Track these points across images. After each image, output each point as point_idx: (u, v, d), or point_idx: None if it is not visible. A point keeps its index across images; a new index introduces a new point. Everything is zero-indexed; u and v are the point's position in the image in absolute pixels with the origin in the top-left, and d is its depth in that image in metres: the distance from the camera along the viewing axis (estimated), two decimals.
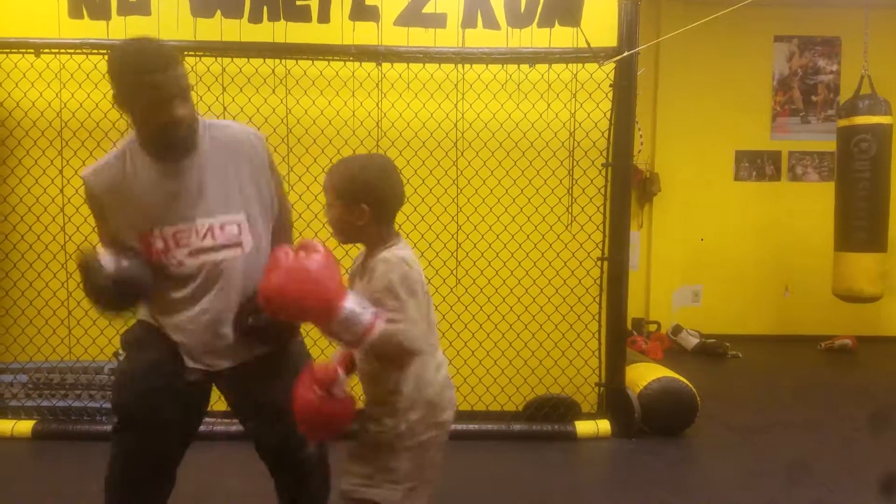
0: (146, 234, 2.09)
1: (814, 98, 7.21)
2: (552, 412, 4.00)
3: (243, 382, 2.21)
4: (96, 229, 2.25)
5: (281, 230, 2.28)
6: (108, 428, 3.67)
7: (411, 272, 1.82)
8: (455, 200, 4.09)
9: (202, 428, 2.48)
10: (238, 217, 2.13)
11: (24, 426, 3.83)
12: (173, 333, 2.17)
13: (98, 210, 2.16)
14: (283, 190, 2.38)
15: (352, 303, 1.69)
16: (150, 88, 1.93)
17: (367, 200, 1.84)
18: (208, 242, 2.10)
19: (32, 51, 3.84)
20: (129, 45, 2.06)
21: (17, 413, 3.93)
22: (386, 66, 3.97)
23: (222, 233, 2.11)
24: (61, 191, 4.05)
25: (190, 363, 2.16)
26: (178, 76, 1.98)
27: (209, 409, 2.37)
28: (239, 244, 2.13)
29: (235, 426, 3.69)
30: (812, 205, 6.98)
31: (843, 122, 5.89)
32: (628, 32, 3.86)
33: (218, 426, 3.83)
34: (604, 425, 3.95)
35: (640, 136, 4.00)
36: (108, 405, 3.93)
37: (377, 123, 4.05)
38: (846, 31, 7.08)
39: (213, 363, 2.17)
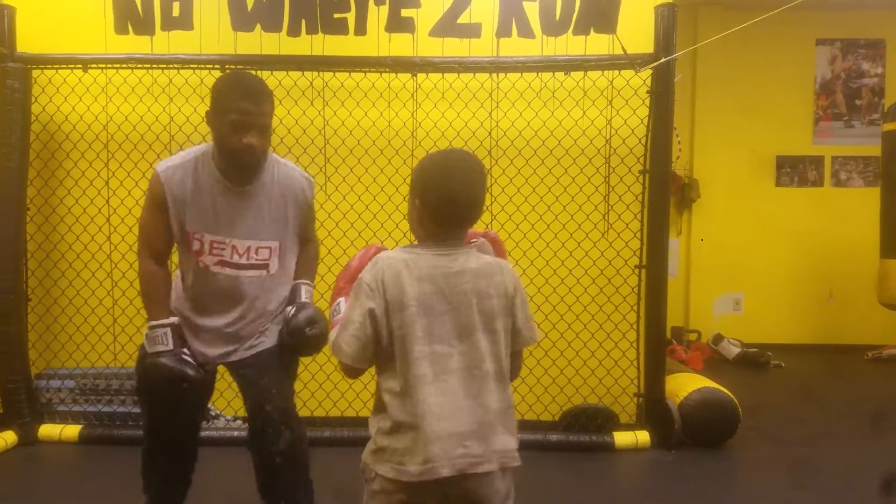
0: (190, 234, 2.35)
1: (857, 102, 7.06)
2: (589, 422, 3.97)
3: (242, 371, 2.49)
4: (146, 219, 2.44)
5: (307, 260, 2.59)
6: None
7: (364, 278, 1.68)
8: (489, 209, 4.09)
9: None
10: (272, 244, 2.40)
11: (72, 430, 3.93)
12: (188, 328, 2.47)
13: (158, 202, 2.34)
14: (314, 227, 2.69)
15: (341, 302, 1.76)
16: (236, 113, 2.21)
17: (419, 196, 1.74)
18: (240, 260, 2.37)
19: (80, 66, 3.96)
20: (235, 74, 2.46)
21: (65, 418, 4.04)
22: (421, 76, 4.00)
23: (255, 255, 2.38)
24: (107, 202, 4.16)
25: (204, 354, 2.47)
26: (262, 112, 2.28)
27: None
28: (266, 266, 2.41)
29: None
30: (856, 211, 6.83)
31: (888, 126, 5.76)
32: (665, 38, 3.83)
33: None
34: (643, 436, 3.91)
35: (679, 141, 3.96)
36: None
37: (412, 133, 4.08)
38: (891, 34, 6.95)
39: (221, 358, 2.49)
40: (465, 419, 1.63)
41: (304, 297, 2.48)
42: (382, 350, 1.67)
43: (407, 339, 1.64)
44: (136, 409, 4.01)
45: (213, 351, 2.46)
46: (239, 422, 4.11)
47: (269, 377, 2.42)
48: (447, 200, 1.71)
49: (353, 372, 1.72)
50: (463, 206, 1.72)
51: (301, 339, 2.39)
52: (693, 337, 6.92)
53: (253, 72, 3.95)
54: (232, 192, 2.34)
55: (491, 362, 1.68)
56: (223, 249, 2.35)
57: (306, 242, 2.58)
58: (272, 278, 2.43)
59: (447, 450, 1.60)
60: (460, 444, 1.61)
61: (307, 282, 2.54)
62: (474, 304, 1.68)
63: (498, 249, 1.93)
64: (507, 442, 1.69)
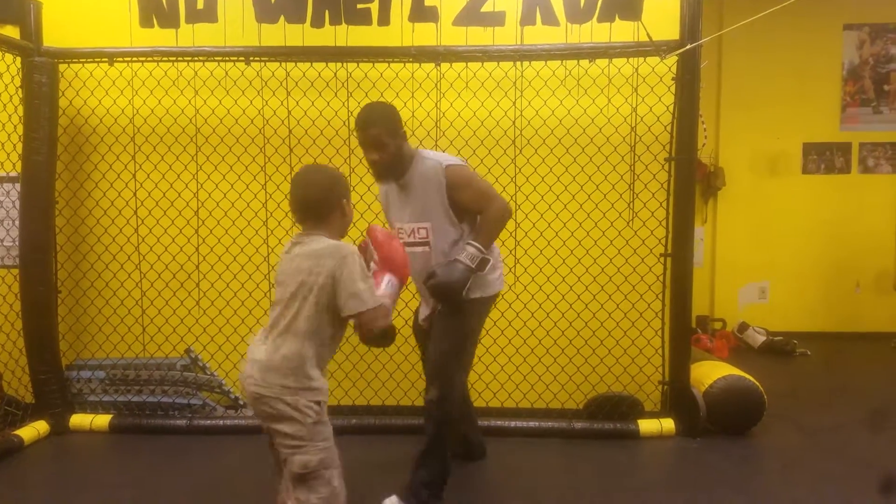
0: (391, 225, 3.20)
1: (886, 87, 6.93)
2: (614, 410, 3.97)
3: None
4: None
5: (481, 223, 2.96)
6: (181, 422, 3.85)
7: None
8: (514, 198, 4.09)
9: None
10: (427, 224, 2.99)
11: (102, 420, 3.99)
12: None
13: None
14: (477, 196, 2.97)
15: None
16: (359, 138, 2.98)
17: None
18: (408, 239, 3.03)
19: (106, 60, 4.00)
20: (362, 108, 3.03)
21: (95, 408, 4.11)
22: (445, 66, 4.00)
23: (417, 234, 3.02)
24: (134, 194, 4.21)
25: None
26: (374, 134, 2.91)
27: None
28: (427, 243, 3.01)
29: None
30: (884, 198, 6.74)
31: None
32: (691, 25, 3.79)
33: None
34: (668, 424, 3.90)
35: (704, 129, 3.92)
36: (180, 400, 4.08)
37: (436, 123, 4.08)
38: None
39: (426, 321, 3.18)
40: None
41: (457, 255, 2.89)
42: None
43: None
44: (165, 399, 4.08)
45: (423, 313, 3.23)
46: None
47: (432, 342, 3.04)
48: (290, 202, 2.43)
49: None
50: (293, 203, 2.41)
51: (428, 287, 2.90)
52: (718, 325, 6.87)
53: (277, 63, 4.02)
54: (398, 189, 3.06)
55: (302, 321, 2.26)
56: (401, 232, 3.07)
57: (479, 211, 2.96)
58: (432, 252, 2.99)
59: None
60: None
61: (471, 242, 2.89)
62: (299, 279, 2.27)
63: (376, 244, 2.54)
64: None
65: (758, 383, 3.93)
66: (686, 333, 3.99)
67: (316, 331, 2.27)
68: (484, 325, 3.21)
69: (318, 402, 2.28)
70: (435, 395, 2.94)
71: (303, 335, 2.26)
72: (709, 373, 4.07)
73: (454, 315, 2.99)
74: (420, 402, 3.80)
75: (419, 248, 3.02)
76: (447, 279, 2.83)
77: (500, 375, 4.15)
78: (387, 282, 2.45)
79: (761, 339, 6.50)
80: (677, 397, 3.95)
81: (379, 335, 2.34)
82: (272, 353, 2.26)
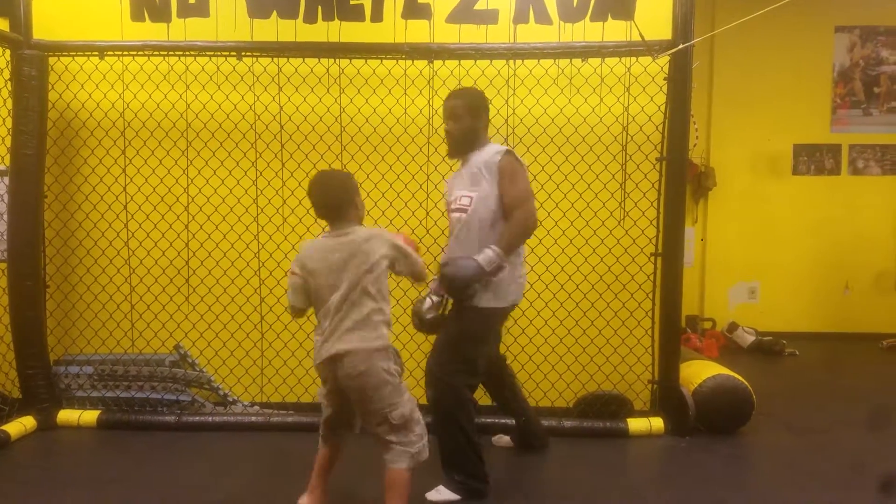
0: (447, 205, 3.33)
1: (876, 90, 6.98)
2: (604, 409, 3.98)
3: None
4: None
5: (506, 228, 2.99)
6: (170, 418, 3.84)
7: None
8: None
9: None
10: (471, 193, 3.07)
11: (90, 416, 3.97)
12: None
13: None
14: (515, 194, 3.02)
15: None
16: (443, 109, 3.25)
17: None
18: (452, 207, 3.18)
19: (96, 53, 3.97)
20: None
21: (83, 403, 4.08)
22: (437, 63, 3.99)
23: (459, 202, 3.12)
24: (124, 189, 4.19)
25: None
26: (452, 105, 3.18)
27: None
28: (465, 210, 3.09)
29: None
30: (874, 199, 6.78)
31: None
32: (683, 25, 3.80)
33: (274, 417, 3.93)
34: (657, 423, 3.91)
35: (696, 129, 3.93)
36: (169, 397, 4.06)
37: (428, 121, 4.07)
38: None
39: None
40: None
41: (477, 256, 2.91)
42: None
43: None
44: (154, 395, 4.05)
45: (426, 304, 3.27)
46: (256, 407, 4.14)
47: (434, 343, 3.14)
48: (313, 205, 2.75)
49: None
50: (317, 206, 2.74)
51: (441, 272, 2.99)
52: (708, 325, 6.90)
53: (268, 59, 4.01)
54: (461, 168, 3.24)
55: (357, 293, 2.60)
56: (450, 204, 3.23)
57: (511, 209, 2.99)
58: (468, 220, 3.06)
59: None
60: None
61: (492, 246, 2.91)
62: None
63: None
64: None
65: (747, 383, 3.94)
66: (676, 333, 4.00)
67: (384, 297, 2.65)
68: (498, 336, 3.24)
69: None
70: (430, 395, 3.03)
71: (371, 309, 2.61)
72: (698, 372, 4.09)
73: (460, 318, 3.06)
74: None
75: (456, 215, 3.14)
76: (457, 274, 2.88)
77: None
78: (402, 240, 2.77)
79: (751, 338, 6.53)
80: (667, 396, 3.96)
81: (431, 323, 3.14)
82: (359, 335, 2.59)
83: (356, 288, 2.58)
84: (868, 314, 6.91)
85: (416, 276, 2.74)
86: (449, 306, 3.18)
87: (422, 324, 3.22)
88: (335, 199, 2.70)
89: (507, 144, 4.05)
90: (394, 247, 2.64)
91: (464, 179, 3.15)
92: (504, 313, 3.17)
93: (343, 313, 2.58)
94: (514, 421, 3.67)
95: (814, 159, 7.05)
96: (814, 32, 6.94)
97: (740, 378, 3.98)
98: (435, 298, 3.20)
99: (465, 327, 3.04)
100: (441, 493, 3.02)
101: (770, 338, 6.44)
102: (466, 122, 3.15)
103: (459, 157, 3.25)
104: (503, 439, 3.75)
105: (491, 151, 3.11)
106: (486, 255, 2.88)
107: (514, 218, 2.98)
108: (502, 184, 3.03)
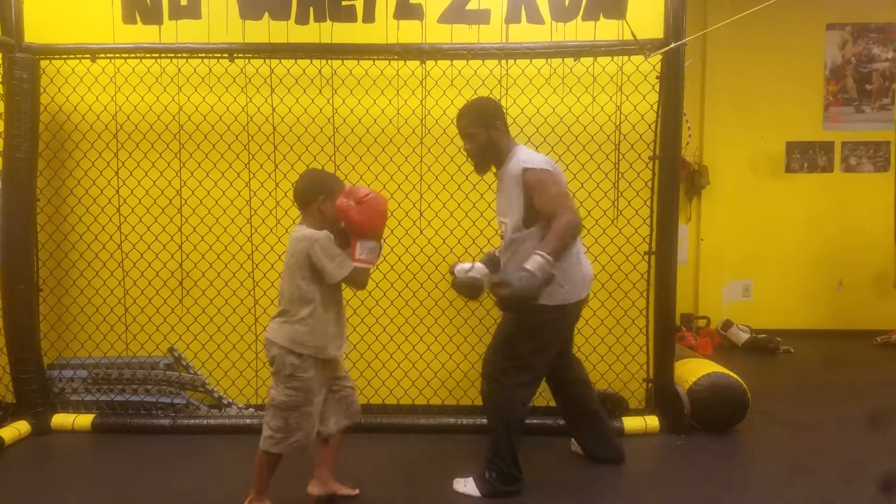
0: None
1: (868, 87, 7.00)
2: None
3: None
4: None
5: (548, 233, 2.86)
6: (165, 422, 3.83)
7: None
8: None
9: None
10: (505, 220, 3.15)
11: (84, 420, 3.96)
12: None
13: None
14: (546, 203, 2.95)
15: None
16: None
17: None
18: (499, 227, 3.26)
19: (88, 56, 3.97)
20: None
21: (78, 407, 4.07)
22: (430, 63, 3.99)
23: (501, 226, 3.21)
24: (117, 191, 4.18)
25: None
26: (462, 125, 3.21)
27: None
28: (504, 235, 3.17)
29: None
30: (867, 196, 6.79)
31: None
32: (675, 23, 3.81)
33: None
34: (652, 421, 3.91)
35: (688, 128, 3.94)
36: (163, 399, 4.05)
37: (421, 121, 4.07)
38: None
39: None
40: None
41: (526, 264, 2.83)
42: None
43: None
44: (149, 398, 4.04)
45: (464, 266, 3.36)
46: (251, 410, 4.13)
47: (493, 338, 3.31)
48: None
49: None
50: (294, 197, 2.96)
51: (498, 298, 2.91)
52: (702, 323, 6.91)
53: (260, 60, 4.01)
54: (497, 179, 3.27)
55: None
56: (497, 216, 3.33)
57: (549, 218, 2.91)
58: (511, 247, 3.12)
59: None
60: None
61: (539, 252, 2.80)
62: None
63: (343, 215, 2.79)
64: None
65: (742, 381, 3.95)
66: (670, 331, 4.01)
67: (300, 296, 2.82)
68: (556, 333, 3.18)
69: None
70: (484, 388, 3.27)
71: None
72: (693, 370, 4.09)
73: (511, 319, 3.14)
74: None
75: (502, 236, 3.24)
76: (513, 288, 2.75)
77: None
78: (360, 247, 2.80)
79: (745, 336, 6.54)
80: (662, 395, 3.96)
81: (461, 288, 3.24)
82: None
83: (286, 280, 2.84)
84: (862, 311, 6.92)
85: (329, 280, 2.80)
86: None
87: (459, 286, 3.25)
88: (297, 194, 2.92)
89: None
90: (312, 253, 2.76)
91: (502, 196, 3.22)
92: (559, 312, 3.10)
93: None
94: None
95: (807, 157, 7.06)
96: (805, 30, 6.95)
97: (735, 376, 3.99)
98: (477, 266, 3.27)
99: (516, 324, 3.11)
100: (467, 486, 3.15)
101: (764, 335, 6.44)
102: (481, 137, 3.16)
103: (486, 171, 3.30)
104: (577, 445, 3.66)
105: (516, 163, 3.09)
106: (535, 262, 2.81)
107: (553, 224, 2.90)
108: (534, 200, 3.00)
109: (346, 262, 2.79)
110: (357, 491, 3.14)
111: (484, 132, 3.15)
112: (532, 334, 3.09)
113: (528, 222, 3.04)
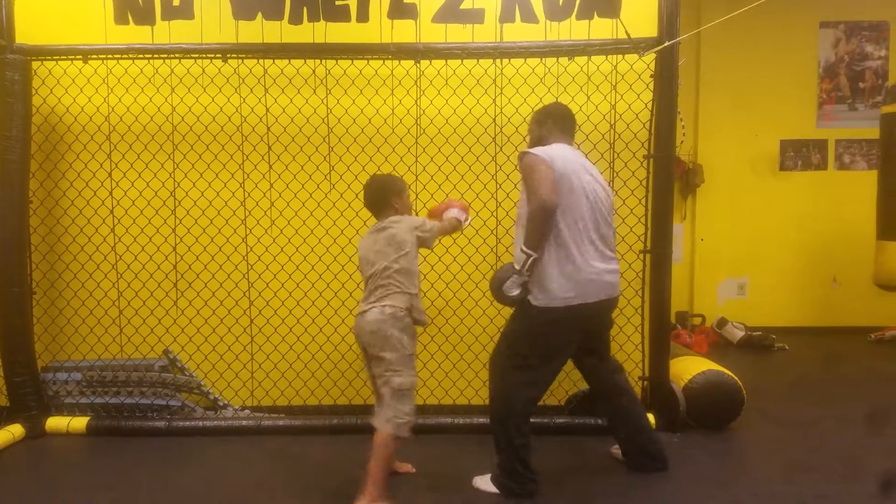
0: None
1: (861, 85, 7.02)
2: (594, 407, 3.98)
3: None
4: None
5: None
6: (160, 424, 3.82)
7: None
8: (494, 196, 4.09)
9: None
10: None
11: (79, 422, 3.94)
12: None
13: None
14: (529, 193, 3.02)
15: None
16: None
17: None
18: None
19: (80, 57, 3.94)
20: None
21: (72, 410, 4.05)
22: (424, 63, 3.98)
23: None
24: (110, 193, 4.16)
25: None
26: (530, 122, 3.42)
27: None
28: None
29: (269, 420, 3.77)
30: (860, 194, 6.80)
31: (887, 109, 5.73)
32: (669, 22, 3.81)
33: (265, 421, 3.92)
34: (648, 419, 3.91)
35: (683, 126, 3.94)
36: (159, 402, 4.03)
37: (416, 121, 4.07)
38: (895, 16, 6.90)
39: None
40: None
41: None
42: None
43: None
44: (144, 401, 4.03)
45: None
46: (247, 411, 4.12)
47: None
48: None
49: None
50: (367, 204, 3.24)
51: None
52: (697, 321, 6.92)
53: (254, 60, 4.00)
54: None
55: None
56: None
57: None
58: (517, 235, 3.19)
59: None
60: None
61: (521, 245, 2.99)
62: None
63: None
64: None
65: (737, 378, 3.96)
66: (665, 329, 4.01)
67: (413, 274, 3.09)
68: (557, 336, 3.11)
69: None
70: (489, 393, 3.26)
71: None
72: (688, 368, 4.10)
73: (512, 318, 3.19)
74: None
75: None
76: (492, 281, 3.08)
77: (482, 373, 4.15)
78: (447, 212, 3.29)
79: (740, 334, 6.55)
80: (657, 392, 3.96)
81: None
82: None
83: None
84: (856, 308, 6.94)
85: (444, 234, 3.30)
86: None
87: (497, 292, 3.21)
88: (373, 198, 3.20)
89: (496, 145, 4.06)
90: (407, 231, 3.06)
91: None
92: (559, 314, 3.03)
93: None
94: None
95: (801, 155, 7.08)
96: (799, 28, 6.97)
97: (730, 373, 3.99)
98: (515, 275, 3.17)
99: (518, 324, 3.15)
100: (485, 481, 3.18)
101: (759, 333, 6.46)
102: (534, 132, 3.34)
103: None
104: (617, 451, 3.53)
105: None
106: (517, 255, 2.99)
107: (529, 212, 2.99)
108: (524, 180, 3.11)
109: (435, 224, 3.20)
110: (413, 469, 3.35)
111: (536, 128, 3.34)
112: (529, 335, 3.08)
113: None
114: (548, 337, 3.09)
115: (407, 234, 3.03)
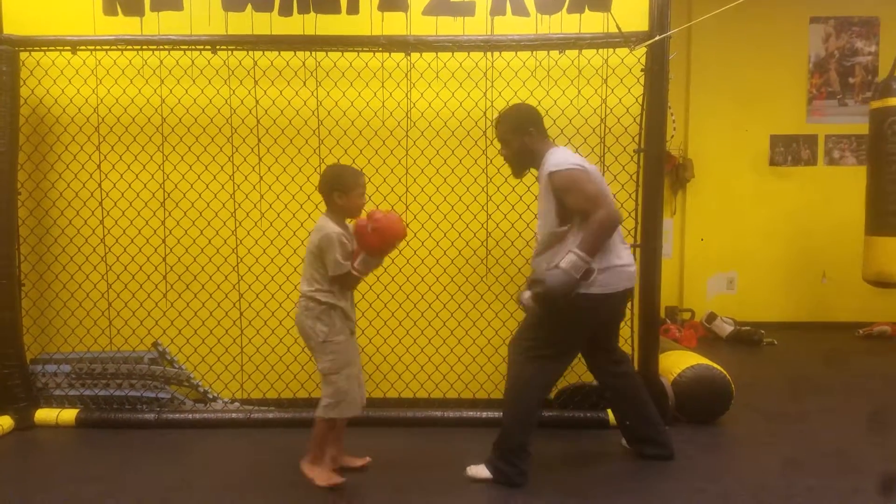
0: None
1: (851, 80, 7.05)
2: (584, 400, 4.00)
3: None
4: None
5: (583, 232, 2.99)
6: (150, 416, 3.81)
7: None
8: (485, 189, 4.09)
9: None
10: (540, 222, 3.23)
11: (68, 415, 3.93)
12: None
13: None
14: (579, 202, 3.01)
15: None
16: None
17: None
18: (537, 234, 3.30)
19: (69, 48, 3.92)
20: None
21: (61, 402, 4.04)
22: (415, 55, 3.97)
23: (538, 231, 3.25)
24: (99, 185, 4.14)
25: None
26: (498, 131, 3.34)
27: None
28: (539, 231, 3.25)
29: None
30: (850, 189, 6.82)
31: (876, 104, 5.72)
32: (660, 16, 3.80)
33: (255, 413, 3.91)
34: None
35: (673, 121, 3.95)
36: (148, 394, 4.02)
37: (406, 114, 4.06)
38: (885, 11, 6.93)
39: None
40: None
41: (557, 261, 3.01)
42: None
43: None
44: (133, 393, 4.02)
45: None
46: (236, 404, 4.12)
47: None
48: None
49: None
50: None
51: (534, 296, 3.13)
52: (687, 316, 6.95)
53: (244, 52, 3.98)
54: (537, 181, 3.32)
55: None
56: None
57: (585, 216, 2.99)
58: (545, 246, 3.17)
59: None
60: None
61: (573, 249, 2.96)
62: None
63: (356, 232, 3.08)
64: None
65: (725, 372, 3.98)
66: (655, 324, 4.01)
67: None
68: (582, 322, 3.16)
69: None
70: (507, 375, 3.29)
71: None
72: (677, 362, 4.12)
73: (541, 305, 3.14)
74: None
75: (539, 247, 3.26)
76: (550, 287, 2.95)
77: (471, 366, 4.16)
78: (361, 259, 3.06)
79: (729, 328, 6.59)
80: (646, 386, 3.96)
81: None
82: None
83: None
84: (844, 304, 6.99)
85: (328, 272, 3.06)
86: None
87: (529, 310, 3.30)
88: (318, 188, 3.18)
89: (486, 139, 4.06)
90: (319, 244, 3.03)
91: (539, 198, 3.26)
92: (587, 302, 3.06)
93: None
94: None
95: (790, 150, 7.11)
96: (789, 23, 6.99)
97: (719, 368, 4.01)
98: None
99: (537, 314, 3.16)
100: (479, 469, 3.17)
101: (748, 327, 6.50)
102: (515, 143, 3.25)
103: (523, 175, 3.43)
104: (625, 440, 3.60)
105: (545, 168, 3.14)
106: (570, 260, 2.94)
107: (589, 220, 2.97)
108: (567, 200, 3.04)
109: (343, 265, 3.02)
110: (368, 459, 3.32)
111: (517, 138, 3.23)
112: (560, 322, 3.10)
113: (562, 221, 3.09)
114: (577, 324, 3.15)
115: (314, 247, 3.05)
